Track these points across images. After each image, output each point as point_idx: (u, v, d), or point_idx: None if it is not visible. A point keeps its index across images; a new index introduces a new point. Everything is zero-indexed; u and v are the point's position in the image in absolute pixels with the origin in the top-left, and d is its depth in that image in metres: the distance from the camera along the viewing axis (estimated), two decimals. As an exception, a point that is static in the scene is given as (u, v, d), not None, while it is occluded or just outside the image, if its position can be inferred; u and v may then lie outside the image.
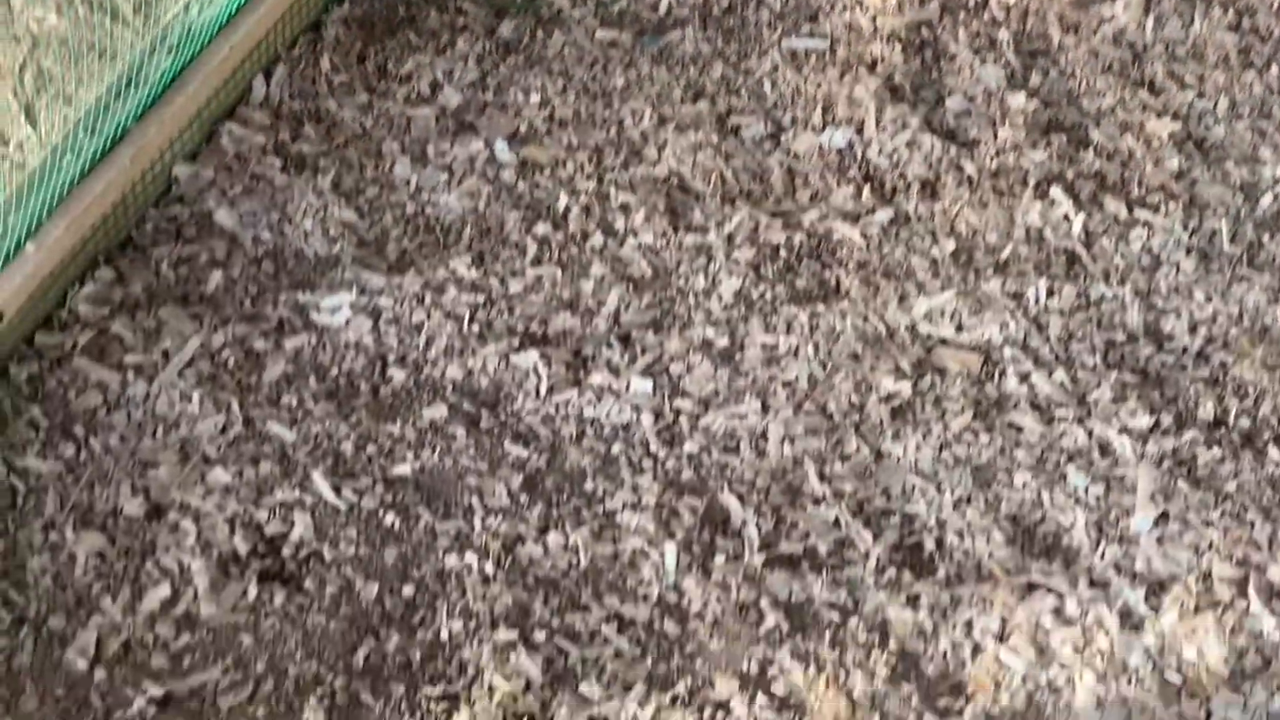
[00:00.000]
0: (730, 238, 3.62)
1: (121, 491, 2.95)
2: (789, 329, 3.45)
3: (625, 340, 3.38)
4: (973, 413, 3.33)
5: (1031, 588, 3.07)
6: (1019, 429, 3.32)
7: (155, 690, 2.70)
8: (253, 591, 2.85)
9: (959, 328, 3.50)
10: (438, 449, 3.12)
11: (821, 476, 3.19)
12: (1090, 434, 3.32)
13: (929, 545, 3.12)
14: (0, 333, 3.03)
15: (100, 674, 2.72)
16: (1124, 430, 3.33)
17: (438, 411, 3.18)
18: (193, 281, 3.33)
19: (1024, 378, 3.42)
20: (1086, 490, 3.23)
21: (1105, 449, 3.31)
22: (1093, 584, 3.08)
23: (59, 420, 3.04)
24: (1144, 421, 3.35)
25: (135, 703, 2.69)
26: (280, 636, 2.81)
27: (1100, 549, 3.14)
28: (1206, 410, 3.39)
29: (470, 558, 2.95)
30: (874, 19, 4.13)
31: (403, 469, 3.08)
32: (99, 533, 2.89)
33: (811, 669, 2.91)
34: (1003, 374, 3.42)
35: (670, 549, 3.03)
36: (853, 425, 3.29)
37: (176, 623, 2.80)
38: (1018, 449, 3.28)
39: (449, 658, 2.83)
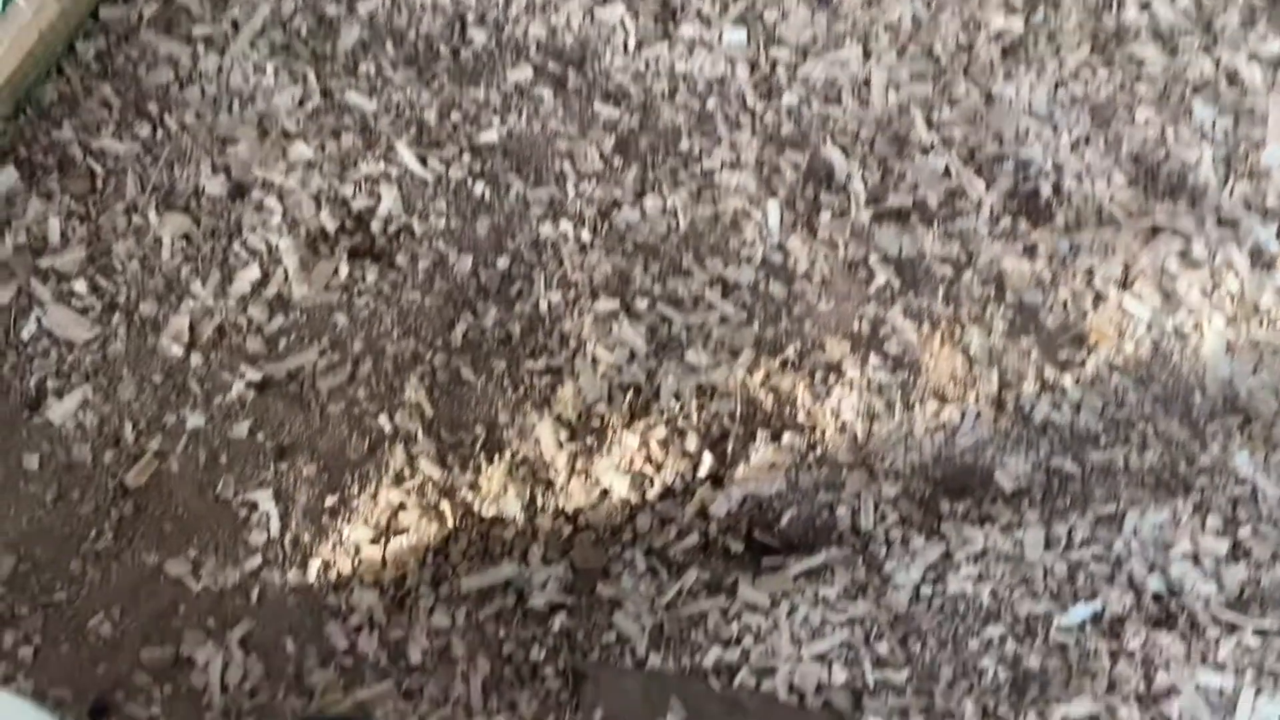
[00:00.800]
0: None
1: (202, 170, 2.65)
2: (890, -35, 3.01)
3: (715, -14, 2.97)
4: (1090, 46, 2.92)
5: (1156, 230, 2.73)
6: (1140, 61, 2.91)
7: (253, 374, 2.46)
8: (344, 270, 2.57)
9: (1073, -45, 3.05)
10: (525, 113, 2.77)
11: (929, 123, 2.82)
12: (1217, 63, 2.91)
13: (1045, 191, 2.77)
14: (64, 8, 2.68)
15: (196, 359, 2.48)
16: (1253, 57, 2.92)
17: (522, 73, 2.81)
18: (257, -55, 2.94)
19: (1145, 5, 2.99)
20: (1214, 124, 2.84)
21: (1233, 78, 2.90)
22: (1221, 223, 2.73)
23: (131, 98, 2.72)
24: (1275, 47, 2.93)
25: (234, 387, 2.45)
26: (375, 315, 2.54)
27: (1229, 185, 2.78)
28: (1344, 32, 2.96)
29: (565, 226, 2.64)
30: None
31: (490, 136, 2.74)
32: (183, 214, 2.61)
33: (925, 326, 2.61)
34: (1121, 2, 2.98)
35: (773, 207, 2.70)
36: (961, 67, 2.89)
37: (269, 304, 2.54)
38: (1139, 83, 2.88)
39: (549, 330, 2.55)
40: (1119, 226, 2.72)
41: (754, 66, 2.86)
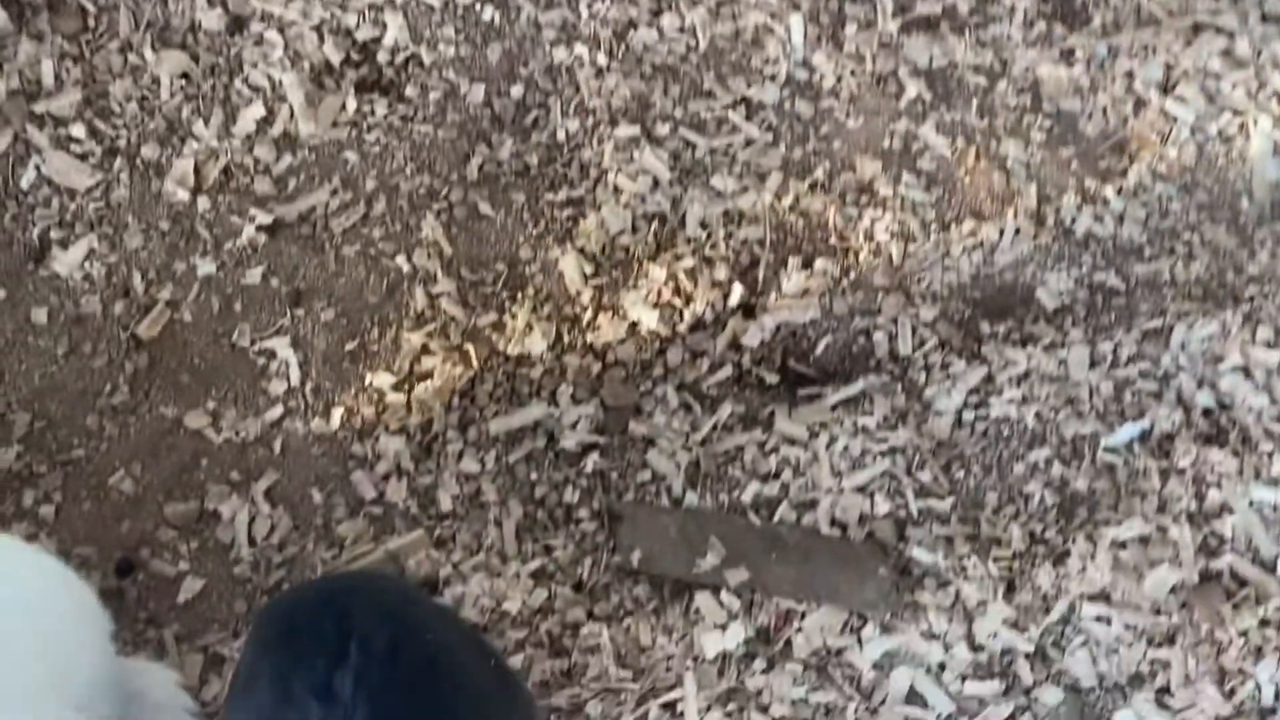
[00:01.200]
0: None
1: (197, 3, 2.43)
2: None
3: None
4: None
5: (1197, 28, 2.51)
6: None
7: (263, 217, 2.28)
8: (351, 104, 2.37)
9: None
10: (531, -71, 2.53)
11: (957, -77, 2.58)
12: None
13: (1081, -9, 2.54)
14: None
15: (204, 203, 2.29)
16: None
17: (527, -113, 2.57)
18: None
19: None
20: (1258, -85, 2.59)
21: None
22: (1265, 19, 2.53)
23: (119, -69, 2.48)
24: None
25: (244, 231, 2.27)
26: (387, 151, 2.34)
27: (1274, -20, 2.54)
28: None
29: (580, 49, 2.43)
30: None
31: (496, -45, 2.51)
32: (180, 51, 2.40)
33: (959, 140, 2.41)
34: None
35: (796, 21, 2.48)
36: None
37: (275, 143, 2.34)
38: (1179, -126, 2.62)
39: (569, 160, 2.35)
40: (1159, 26, 2.50)
41: None
